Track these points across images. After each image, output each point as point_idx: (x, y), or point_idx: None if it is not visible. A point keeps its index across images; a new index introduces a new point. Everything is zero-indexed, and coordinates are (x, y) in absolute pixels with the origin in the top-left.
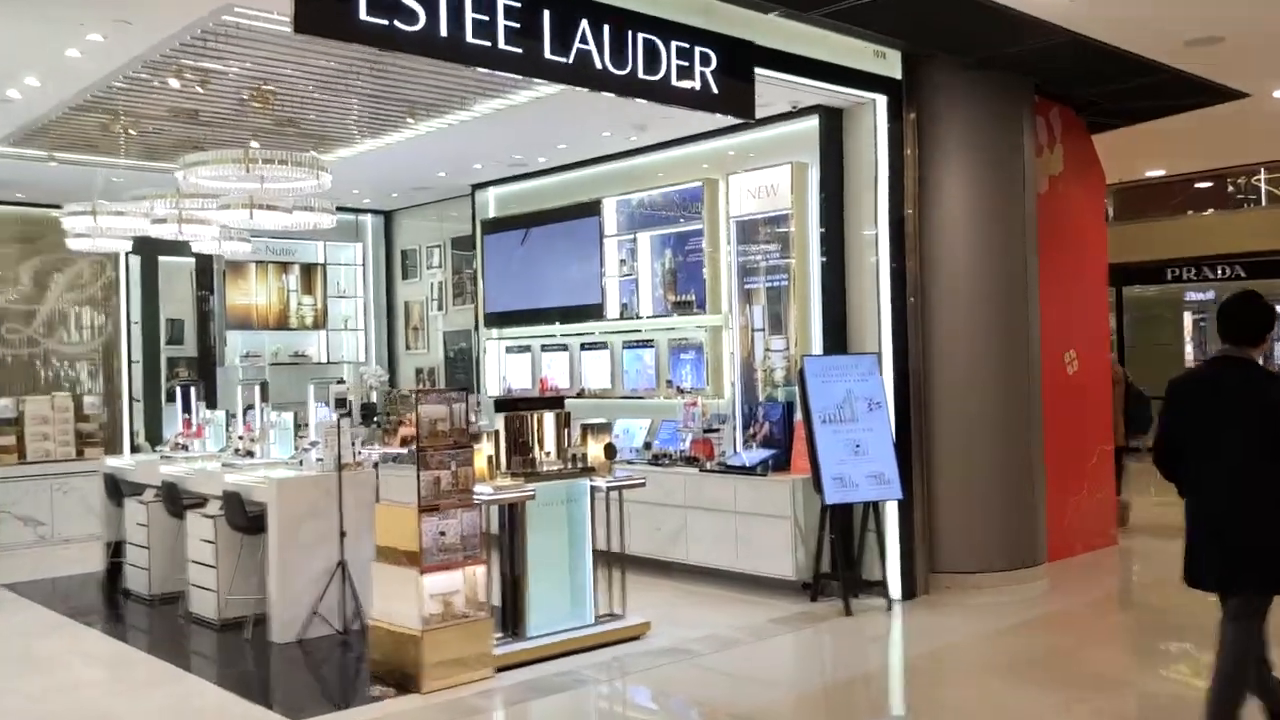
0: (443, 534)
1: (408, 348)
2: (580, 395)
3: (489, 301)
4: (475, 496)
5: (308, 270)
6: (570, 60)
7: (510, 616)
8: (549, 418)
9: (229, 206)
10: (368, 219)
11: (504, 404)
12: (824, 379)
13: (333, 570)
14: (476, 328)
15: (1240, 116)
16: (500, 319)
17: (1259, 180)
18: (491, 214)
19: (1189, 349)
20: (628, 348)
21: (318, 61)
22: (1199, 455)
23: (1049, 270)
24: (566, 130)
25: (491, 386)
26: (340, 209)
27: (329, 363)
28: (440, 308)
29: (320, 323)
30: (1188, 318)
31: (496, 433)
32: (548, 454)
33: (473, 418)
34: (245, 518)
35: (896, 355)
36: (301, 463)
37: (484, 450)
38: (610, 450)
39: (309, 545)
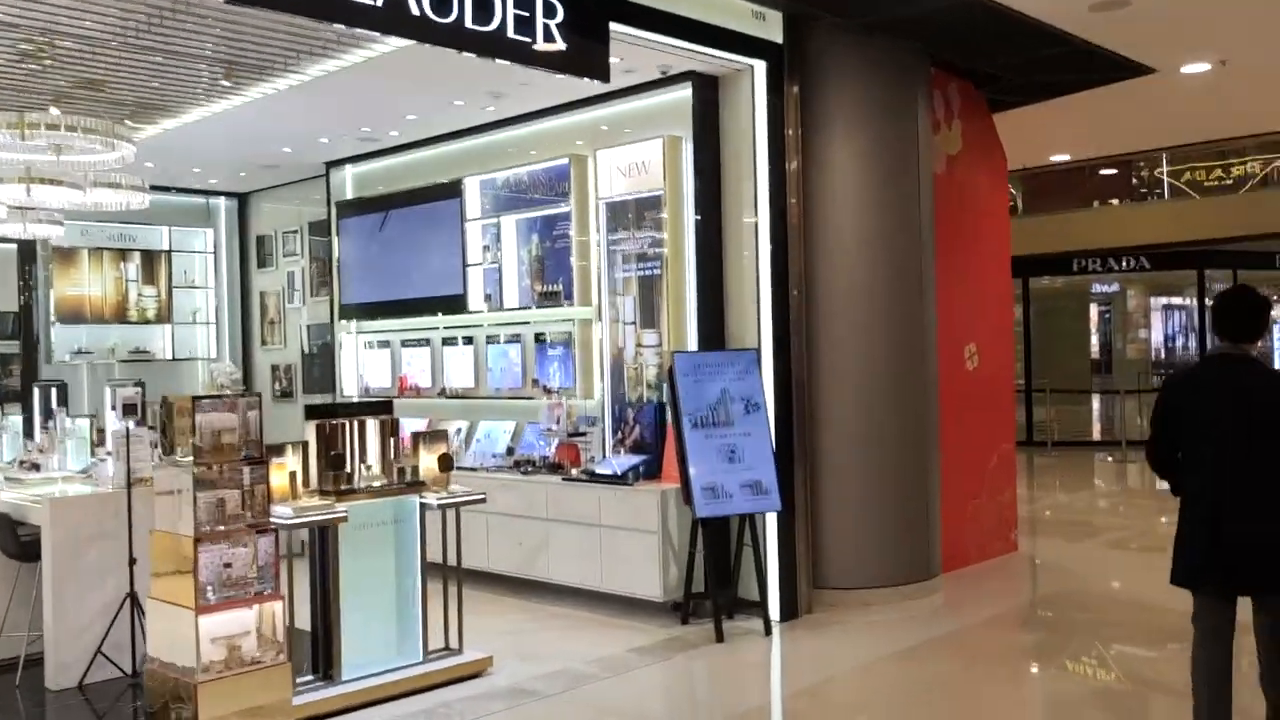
0: (228, 566)
1: (264, 343)
2: (442, 394)
3: (346, 292)
4: (272, 520)
5: (150, 258)
6: (379, 2)
7: (322, 657)
8: (371, 425)
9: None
10: (220, 202)
11: (316, 411)
12: (696, 378)
13: (120, 602)
14: (333, 320)
15: (1146, 95)
16: (359, 311)
17: (1162, 173)
18: (348, 195)
19: (1094, 340)
20: (492, 343)
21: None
22: (1200, 455)
23: (947, 257)
24: (412, 98)
25: (350, 385)
26: (184, 190)
27: (175, 359)
28: (299, 299)
29: (164, 316)
30: (1093, 309)
31: (305, 444)
32: (369, 468)
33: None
34: (16, 543)
35: (778, 352)
36: (94, 477)
37: (286, 465)
38: (445, 462)
39: (93, 574)
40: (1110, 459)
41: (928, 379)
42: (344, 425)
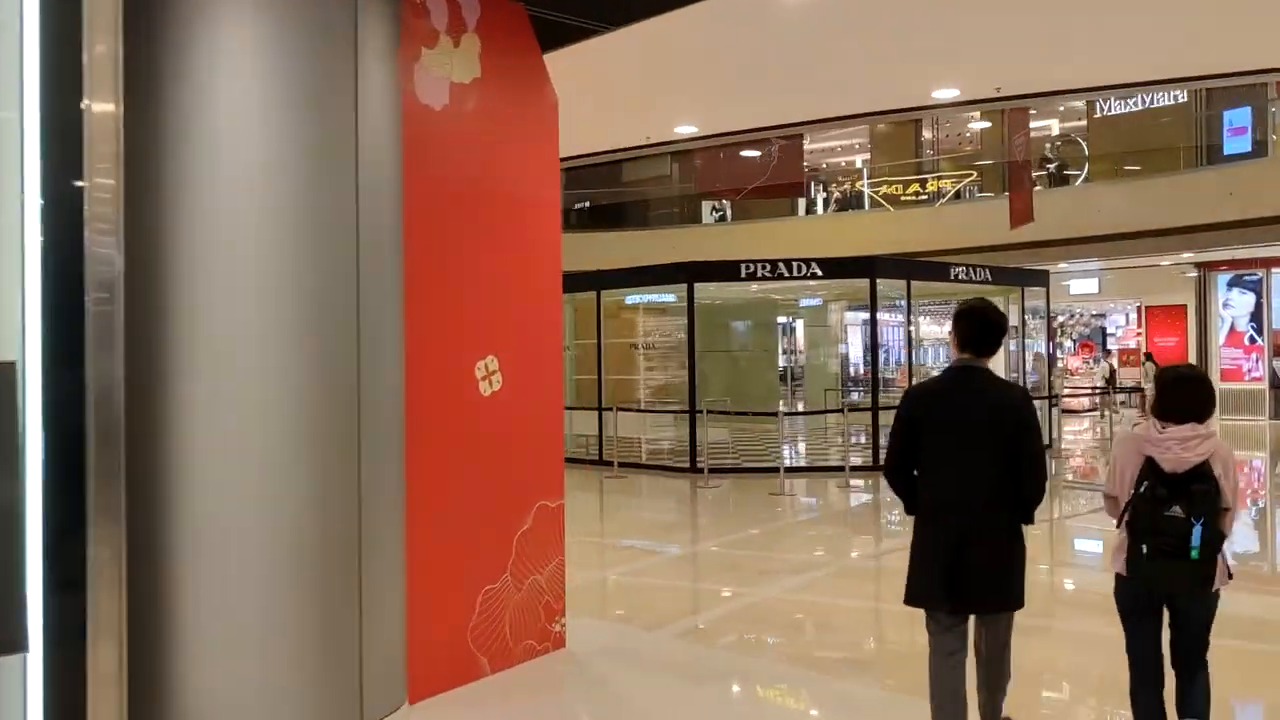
0: None
1: None
2: None
3: None
4: None
5: None
6: None
7: None
8: None
9: None
10: None
11: None
12: None
13: None
14: None
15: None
16: None
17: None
18: None
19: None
20: None
21: None
22: (938, 471)
23: (450, 233)
24: None
25: None
26: None
27: None
28: None
29: None
30: (783, 323)
31: None
32: None
33: None
34: None
35: (53, 388)
36: None
37: None
38: None
39: None
40: (773, 494)
41: (381, 411)
42: None
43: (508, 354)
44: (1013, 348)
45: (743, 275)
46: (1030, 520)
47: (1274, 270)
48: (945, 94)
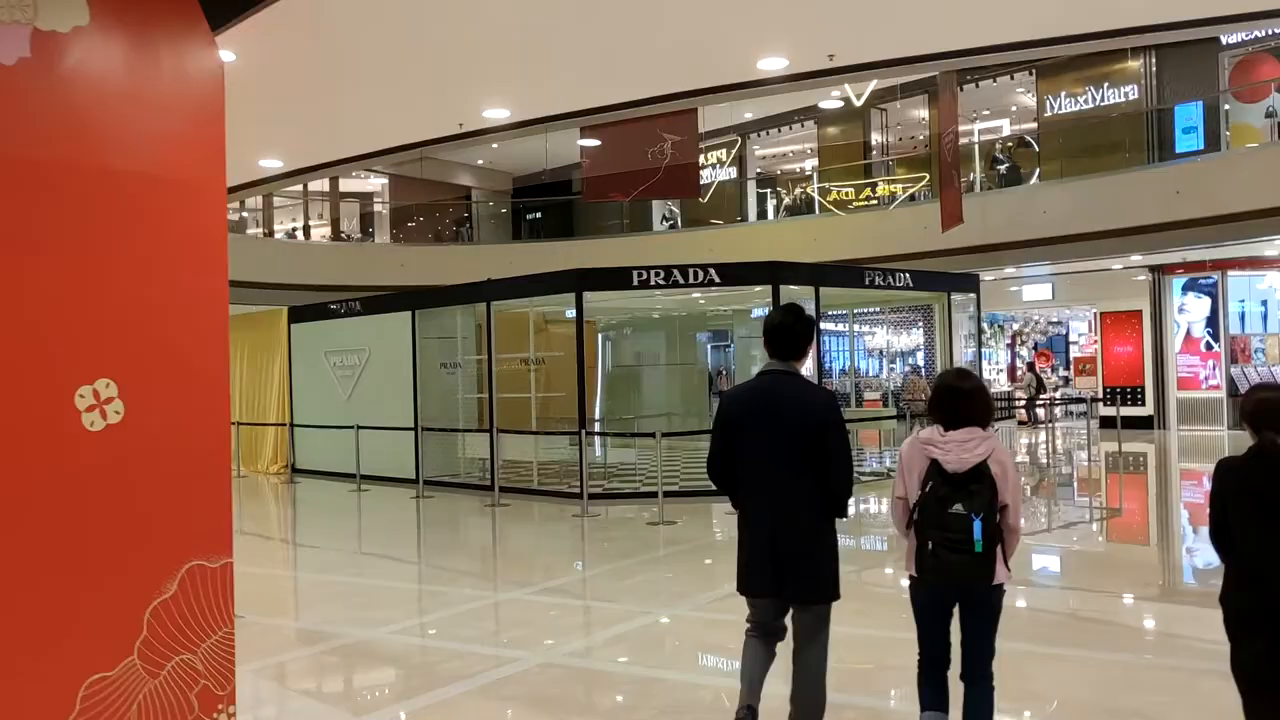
0: None
1: None
2: None
3: None
4: None
5: None
6: None
7: None
8: None
9: None
10: None
11: None
12: None
13: None
14: None
15: None
16: None
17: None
18: None
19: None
20: None
21: None
22: (753, 470)
23: (33, 225)
24: None
25: None
26: None
27: None
28: None
29: None
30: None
31: None
32: None
33: None
34: None
35: None
36: None
37: None
38: None
39: None
40: (651, 523)
41: None
42: None
43: (134, 377)
44: (968, 355)
45: (635, 283)
46: (842, 514)
47: (1229, 273)
48: (773, 65)
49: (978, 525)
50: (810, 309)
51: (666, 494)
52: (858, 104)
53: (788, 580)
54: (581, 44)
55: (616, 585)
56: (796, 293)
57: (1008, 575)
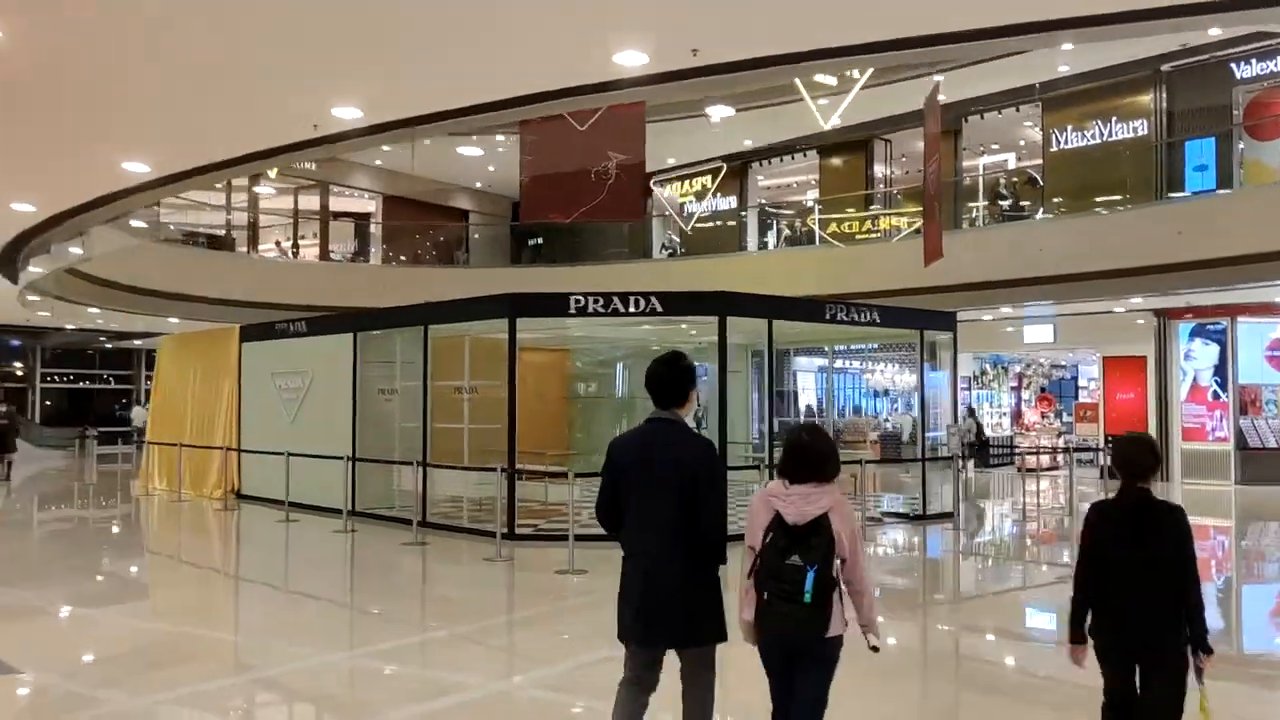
0: None
1: None
2: None
3: None
4: None
5: None
6: None
7: None
8: None
9: None
10: None
11: None
12: None
13: None
14: None
15: None
16: None
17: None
18: None
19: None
20: None
21: None
22: (633, 513)
23: None
24: None
25: None
26: None
27: None
28: None
29: None
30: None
31: None
32: None
33: None
34: None
35: None
36: None
37: None
38: None
39: None
40: (560, 571)
41: None
42: None
43: None
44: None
45: (571, 310)
46: (720, 560)
47: (1240, 319)
48: (630, 60)
49: (810, 575)
50: (763, 343)
51: (581, 538)
52: (837, 123)
53: (654, 626)
54: (416, 31)
55: (473, 649)
56: (747, 325)
57: (844, 626)
